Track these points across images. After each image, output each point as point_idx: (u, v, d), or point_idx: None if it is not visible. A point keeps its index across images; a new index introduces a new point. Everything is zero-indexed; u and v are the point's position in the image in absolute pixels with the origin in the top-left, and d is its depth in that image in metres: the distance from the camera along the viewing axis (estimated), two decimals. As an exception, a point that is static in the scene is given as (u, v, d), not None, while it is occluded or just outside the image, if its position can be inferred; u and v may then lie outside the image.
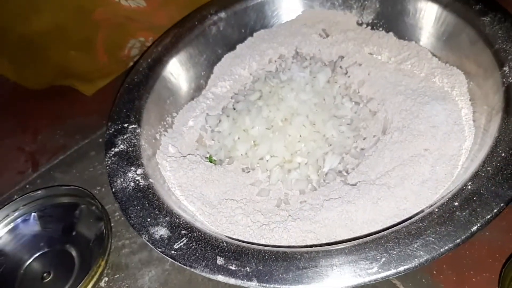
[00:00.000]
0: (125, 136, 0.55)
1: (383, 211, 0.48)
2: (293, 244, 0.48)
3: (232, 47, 0.70)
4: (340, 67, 0.64)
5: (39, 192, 0.62)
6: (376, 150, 0.55)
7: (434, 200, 0.48)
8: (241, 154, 0.58)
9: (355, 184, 0.52)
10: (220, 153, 0.59)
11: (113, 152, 0.54)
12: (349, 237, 0.47)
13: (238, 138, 0.59)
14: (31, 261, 0.59)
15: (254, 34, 0.70)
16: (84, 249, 0.58)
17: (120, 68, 0.80)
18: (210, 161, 0.59)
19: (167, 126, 0.62)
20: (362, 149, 0.57)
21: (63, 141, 0.75)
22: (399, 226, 0.41)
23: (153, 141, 0.58)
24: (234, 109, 0.63)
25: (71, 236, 0.60)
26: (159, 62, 0.64)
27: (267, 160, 0.57)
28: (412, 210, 0.48)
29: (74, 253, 0.58)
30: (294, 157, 0.57)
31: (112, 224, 0.60)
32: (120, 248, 0.58)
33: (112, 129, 0.56)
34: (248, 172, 0.58)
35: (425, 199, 0.48)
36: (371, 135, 0.58)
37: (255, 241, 0.48)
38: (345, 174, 0.55)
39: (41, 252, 0.59)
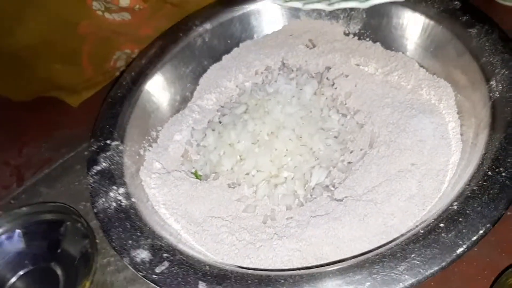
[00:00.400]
0: (107, 154, 0.54)
1: (370, 228, 0.48)
2: (278, 263, 0.47)
3: (218, 58, 0.69)
4: (327, 78, 0.63)
5: (24, 208, 0.61)
6: (363, 165, 0.54)
7: (421, 216, 0.47)
8: (227, 169, 0.57)
9: (342, 200, 0.51)
10: (206, 168, 0.58)
11: (95, 171, 0.53)
12: (335, 255, 0.47)
13: (224, 153, 0.58)
14: (16, 280, 0.58)
15: (240, 44, 0.69)
16: (69, 267, 0.57)
17: (106, 79, 0.79)
18: (196, 177, 0.58)
19: (151, 140, 0.61)
20: (349, 162, 0.57)
21: (48, 154, 0.74)
22: (384, 248, 0.40)
23: (137, 157, 0.57)
24: (220, 122, 0.62)
25: (56, 253, 0.59)
26: (143, 75, 0.63)
27: (253, 175, 0.56)
28: (399, 226, 0.47)
29: (59, 271, 0.57)
30: (280, 172, 0.56)
31: (97, 241, 0.59)
32: (105, 265, 0.57)
33: (95, 146, 0.55)
34: (234, 187, 0.57)
35: (412, 216, 0.48)
36: (358, 149, 0.57)
37: (240, 261, 0.48)
38: (332, 189, 0.54)
39: (25, 270, 0.58)
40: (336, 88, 0.62)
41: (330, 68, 0.64)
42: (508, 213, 0.48)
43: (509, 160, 0.42)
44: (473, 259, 0.48)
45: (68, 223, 0.60)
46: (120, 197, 0.50)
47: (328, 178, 0.56)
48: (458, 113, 0.54)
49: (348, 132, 0.59)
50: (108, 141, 0.55)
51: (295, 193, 0.55)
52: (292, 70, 0.65)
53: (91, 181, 0.52)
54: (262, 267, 0.46)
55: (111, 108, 0.59)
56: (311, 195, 0.55)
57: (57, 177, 0.70)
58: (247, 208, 0.54)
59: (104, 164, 0.53)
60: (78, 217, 0.58)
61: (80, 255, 0.57)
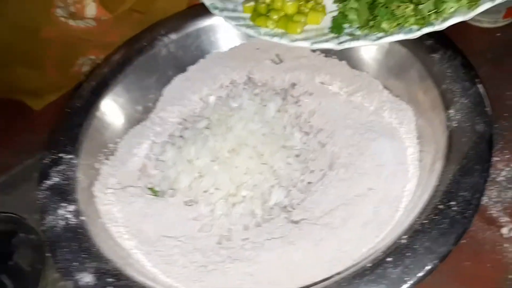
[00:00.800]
0: (60, 168, 0.53)
1: (324, 253, 0.47)
2: (229, 288, 0.46)
3: (183, 69, 0.67)
4: (292, 95, 0.62)
5: (-25, 219, 0.59)
6: (322, 185, 0.53)
7: (375, 243, 0.47)
8: (184, 186, 0.56)
9: (299, 222, 0.51)
10: (163, 184, 0.57)
11: (45, 186, 0.51)
12: (288, 280, 0.46)
13: (182, 169, 0.57)
14: (-37, 293, 0.56)
15: (207, 56, 0.68)
16: (20, 281, 0.55)
17: (71, 83, 0.76)
18: (153, 193, 0.57)
19: (109, 153, 0.59)
20: (309, 182, 0.56)
21: (7, 159, 0.71)
22: (330, 280, 0.40)
23: (92, 171, 0.56)
24: (181, 136, 0.60)
25: (7, 266, 0.57)
26: (103, 85, 0.61)
27: (211, 193, 0.55)
28: (353, 253, 0.47)
29: (9, 284, 0.56)
30: (239, 190, 0.55)
31: (49, 254, 0.57)
32: (57, 279, 0.56)
33: (47, 159, 0.54)
34: (191, 205, 0.56)
35: (366, 242, 0.47)
36: (318, 169, 0.56)
37: (191, 285, 0.47)
38: (290, 210, 0.54)
39: (-26, 283, 0.57)
40: (300, 105, 0.61)
41: (295, 85, 0.63)
42: (463, 241, 0.48)
43: (461, 194, 0.42)
44: (426, 289, 0.47)
45: (21, 234, 0.58)
46: (69, 215, 0.48)
47: (287, 198, 0.55)
48: (418, 138, 0.53)
49: (309, 151, 0.58)
50: (61, 154, 0.54)
51: (253, 213, 0.54)
52: (257, 85, 0.64)
53: (40, 196, 0.50)
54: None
55: (67, 119, 0.58)
56: (269, 215, 0.54)
57: (15, 184, 0.67)
58: (203, 227, 0.53)
59: (55, 178, 0.52)
60: (30, 228, 0.57)
61: (31, 269, 0.55)
